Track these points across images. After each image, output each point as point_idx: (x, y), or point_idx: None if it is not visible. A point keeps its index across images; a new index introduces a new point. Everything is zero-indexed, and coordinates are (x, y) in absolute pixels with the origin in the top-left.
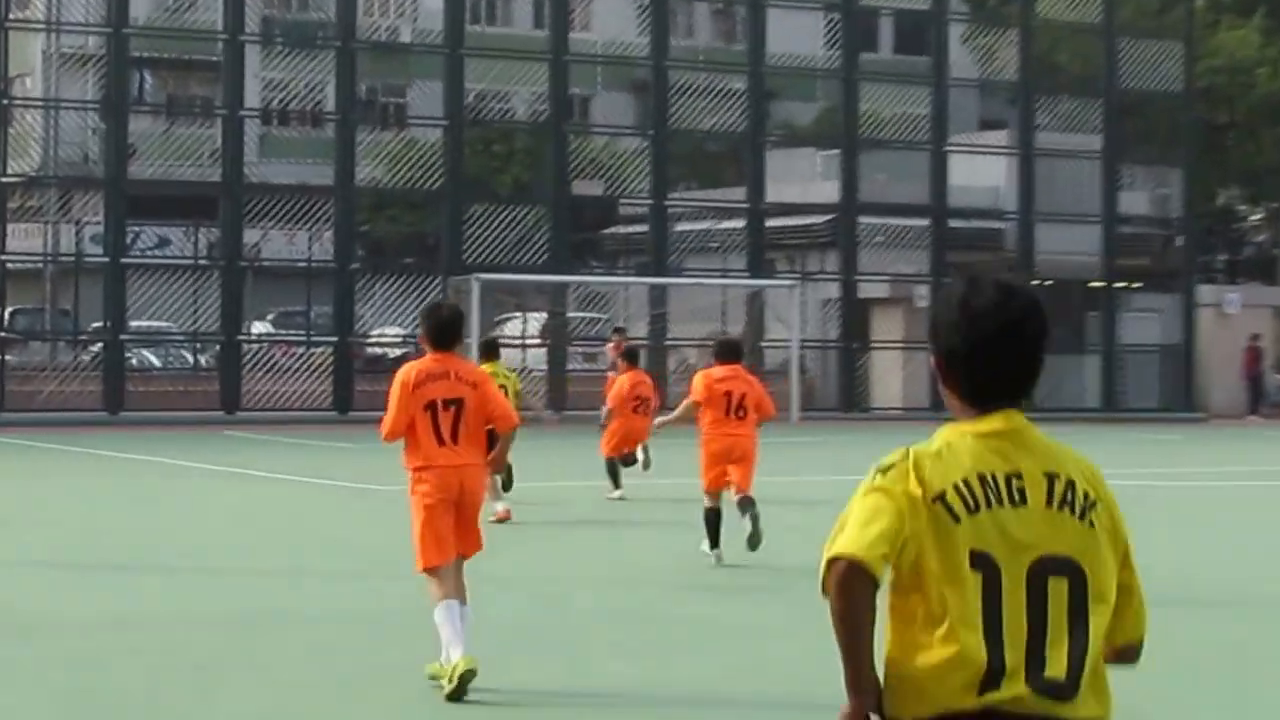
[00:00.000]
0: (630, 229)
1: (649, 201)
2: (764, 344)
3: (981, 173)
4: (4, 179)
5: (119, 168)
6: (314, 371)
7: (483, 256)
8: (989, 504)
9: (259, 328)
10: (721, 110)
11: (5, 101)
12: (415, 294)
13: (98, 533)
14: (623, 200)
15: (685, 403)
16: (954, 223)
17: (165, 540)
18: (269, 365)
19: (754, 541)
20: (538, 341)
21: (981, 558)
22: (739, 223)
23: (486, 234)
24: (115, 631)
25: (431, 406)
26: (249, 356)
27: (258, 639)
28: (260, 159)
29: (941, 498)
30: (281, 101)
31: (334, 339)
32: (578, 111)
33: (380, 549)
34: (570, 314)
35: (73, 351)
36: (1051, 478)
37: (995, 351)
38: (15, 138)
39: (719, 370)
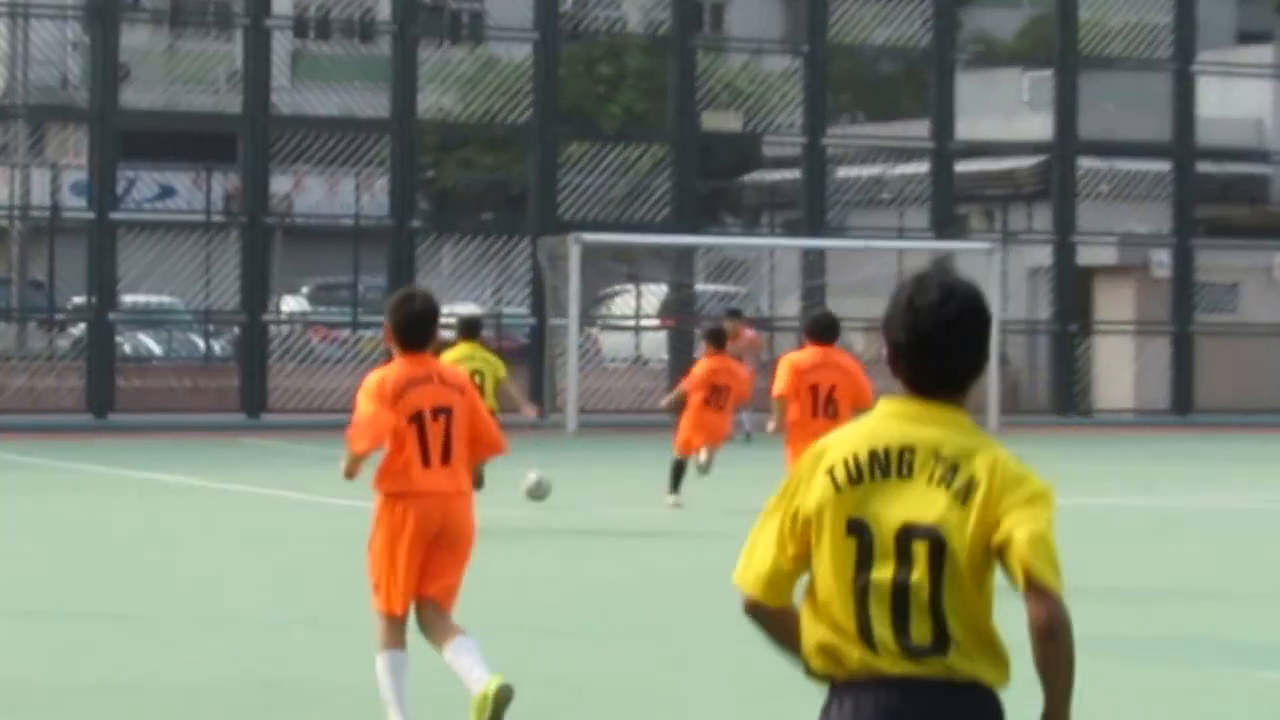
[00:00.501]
0: (776, 175)
1: (801, 139)
2: None
3: (1239, 101)
4: None
5: (107, 95)
6: (361, 362)
7: (583, 211)
8: (873, 476)
9: (291, 305)
10: (897, 19)
11: None
12: (496, 260)
13: (73, 575)
14: (767, 138)
15: (775, 399)
16: (1203, 166)
17: (161, 585)
18: (303, 354)
19: None
20: (656, 323)
21: (856, 524)
22: (919, 166)
23: (589, 182)
24: (98, 701)
25: (418, 418)
26: (277, 343)
27: (275, 717)
28: (293, 84)
29: (830, 470)
30: (320, 8)
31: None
32: (709, 22)
33: None
34: (699, 286)
35: (47, 336)
36: (938, 457)
37: (933, 346)
38: None
39: (808, 355)
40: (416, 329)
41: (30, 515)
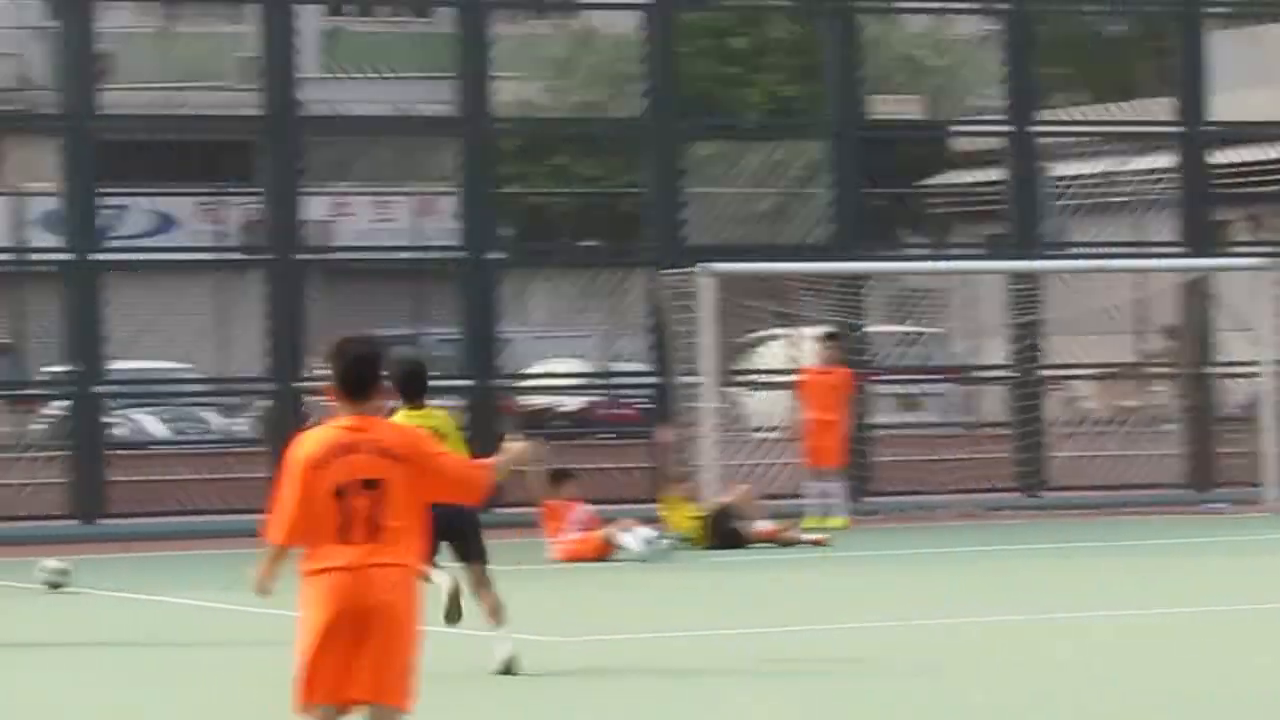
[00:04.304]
0: (972, 176)
1: (1005, 128)
2: (1212, 370)
3: None
4: None
5: (83, 97)
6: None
7: (716, 231)
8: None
9: None
10: None
11: None
12: (601, 300)
13: None
14: (956, 127)
15: None
16: None
17: None
18: None
19: None
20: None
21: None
22: (1163, 159)
23: (722, 194)
24: None
25: (341, 493)
26: (316, 418)
27: None
28: (327, 74)
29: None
30: None
31: (467, 380)
32: None
33: None
34: (872, 328)
35: (15, 416)
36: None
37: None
38: None
39: None
40: (357, 378)
41: None
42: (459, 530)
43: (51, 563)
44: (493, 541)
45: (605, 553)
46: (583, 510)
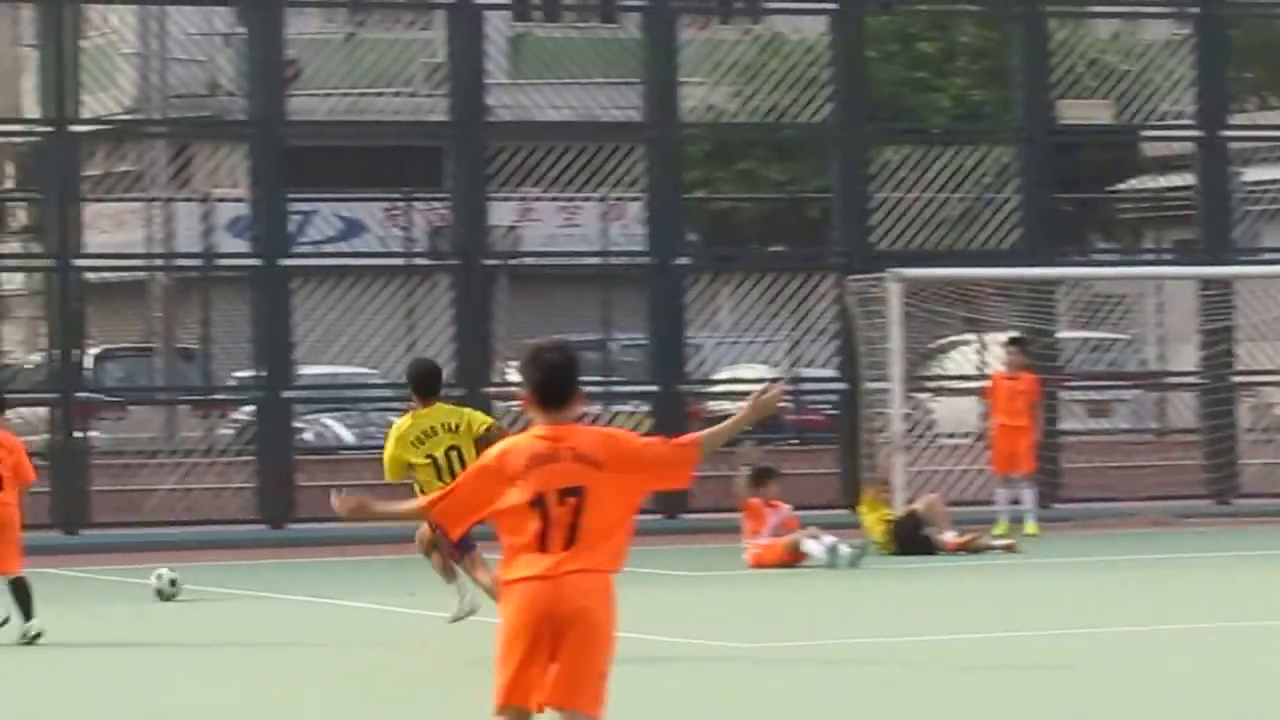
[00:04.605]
0: (1162, 181)
1: (1195, 132)
2: None
3: None
4: (74, 127)
5: (271, 103)
6: None
7: (905, 238)
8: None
9: None
10: None
11: None
12: (790, 307)
13: None
14: (1148, 133)
15: None
16: None
17: None
18: None
19: None
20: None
21: None
22: None
23: (910, 198)
24: None
25: (539, 503)
26: (505, 423)
27: None
28: (514, 79)
29: None
30: None
31: (653, 387)
32: None
33: None
34: (1062, 334)
35: (204, 422)
36: None
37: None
38: (93, 57)
39: None
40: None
41: (182, 664)
42: None
43: (164, 572)
44: (682, 548)
45: (792, 559)
46: (785, 511)
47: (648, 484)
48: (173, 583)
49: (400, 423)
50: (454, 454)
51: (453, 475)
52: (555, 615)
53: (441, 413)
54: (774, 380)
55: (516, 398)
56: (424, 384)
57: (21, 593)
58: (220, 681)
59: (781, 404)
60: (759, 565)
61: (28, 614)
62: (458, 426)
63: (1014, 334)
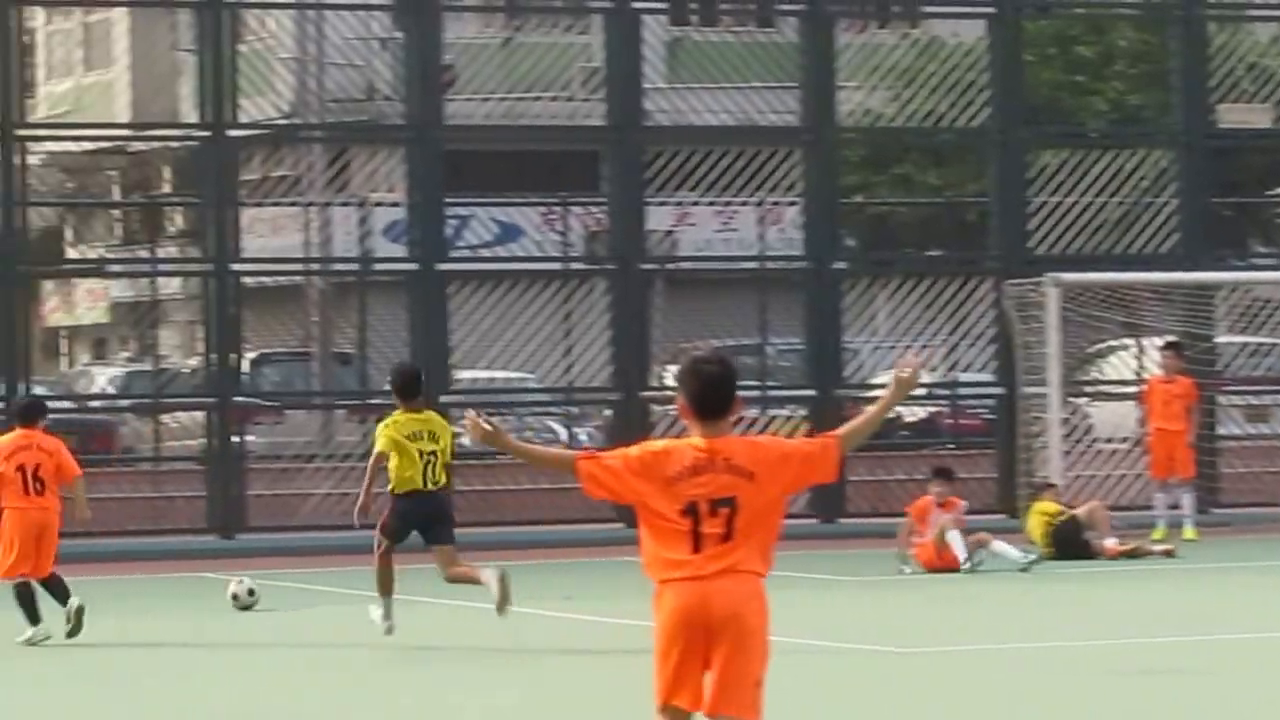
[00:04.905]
0: None
1: None
2: None
3: None
4: (231, 132)
5: (429, 107)
6: None
7: (1063, 242)
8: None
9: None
10: None
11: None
12: (947, 311)
13: None
14: None
15: None
16: None
17: None
18: None
19: None
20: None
21: None
22: None
23: (1069, 203)
24: None
25: (690, 511)
26: (663, 427)
27: None
28: (669, 83)
29: None
30: None
31: (809, 391)
32: None
33: None
34: (1220, 339)
35: (360, 426)
36: None
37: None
38: (250, 61)
39: None
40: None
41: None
42: (427, 516)
43: (245, 582)
44: (836, 552)
45: (946, 563)
46: (957, 512)
47: (795, 484)
48: (251, 592)
49: (395, 415)
50: (432, 459)
51: (430, 478)
52: (708, 619)
53: (422, 420)
54: (913, 356)
55: (673, 403)
56: (407, 387)
57: (55, 585)
58: (368, 682)
59: (926, 395)
60: (922, 563)
61: (64, 599)
62: (438, 439)
63: (1171, 339)
